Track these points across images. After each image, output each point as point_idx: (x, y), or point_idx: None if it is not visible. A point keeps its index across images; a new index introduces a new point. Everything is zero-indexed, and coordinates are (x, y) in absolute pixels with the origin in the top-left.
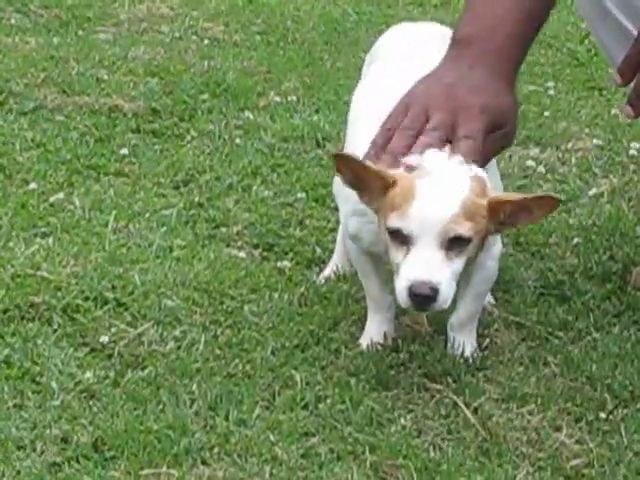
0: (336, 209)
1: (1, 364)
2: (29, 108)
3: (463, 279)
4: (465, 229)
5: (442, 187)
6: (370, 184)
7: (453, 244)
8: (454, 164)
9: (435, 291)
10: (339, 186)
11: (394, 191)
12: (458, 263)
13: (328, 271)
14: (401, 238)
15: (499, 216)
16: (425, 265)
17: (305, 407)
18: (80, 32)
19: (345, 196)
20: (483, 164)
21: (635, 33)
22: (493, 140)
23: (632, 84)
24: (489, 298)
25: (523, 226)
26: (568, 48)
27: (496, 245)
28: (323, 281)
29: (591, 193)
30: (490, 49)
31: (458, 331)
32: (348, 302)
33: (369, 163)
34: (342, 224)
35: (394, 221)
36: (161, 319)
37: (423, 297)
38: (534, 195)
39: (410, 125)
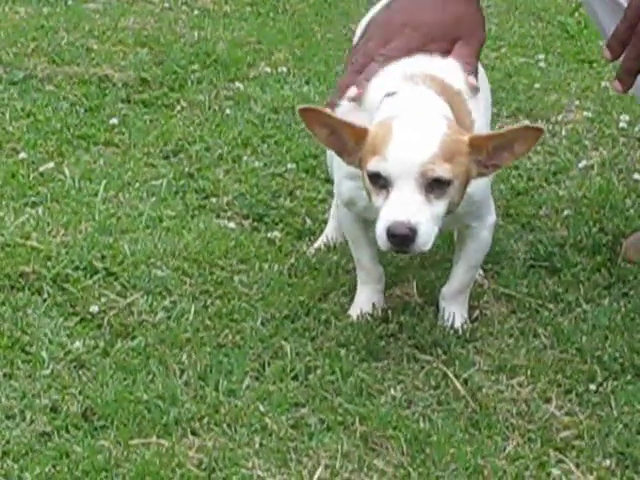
0: (326, 180)
1: None
2: (19, 78)
3: (456, 249)
4: (444, 170)
5: (420, 128)
6: (343, 137)
7: (433, 186)
8: (432, 104)
9: (413, 231)
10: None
11: (373, 137)
12: (439, 206)
13: (319, 243)
14: (381, 182)
15: (482, 155)
16: (403, 206)
17: (295, 378)
18: (70, 2)
19: (339, 161)
20: (473, 71)
21: (625, 5)
22: (466, 42)
23: (621, 59)
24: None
25: (506, 165)
26: (558, 21)
27: (490, 215)
28: (313, 252)
29: (581, 165)
30: None
31: (449, 302)
32: (338, 273)
33: (337, 116)
34: (335, 193)
35: (373, 164)
36: (151, 289)
37: (401, 237)
38: (515, 127)
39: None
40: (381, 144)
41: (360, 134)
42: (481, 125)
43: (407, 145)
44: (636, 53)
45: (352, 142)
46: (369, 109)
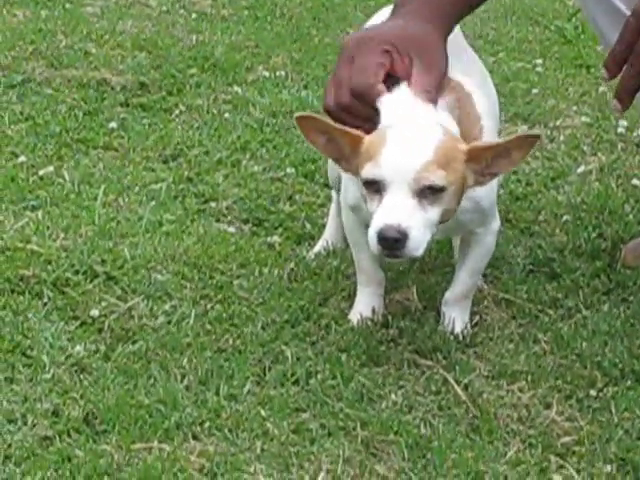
0: (325, 184)
1: None
2: (17, 81)
3: (460, 254)
4: (438, 177)
5: (415, 134)
6: (340, 145)
7: (426, 192)
8: (428, 111)
9: (404, 235)
10: None
11: (368, 143)
12: (432, 212)
13: (318, 247)
14: (375, 187)
15: (480, 164)
16: (395, 210)
17: (296, 382)
18: (68, 5)
19: None
20: (433, 98)
21: (628, 13)
22: (427, 69)
23: (619, 77)
24: None
25: (504, 173)
26: (556, 25)
27: (495, 221)
28: (313, 257)
29: (580, 170)
30: (417, 3)
31: (451, 307)
32: (338, 278)
33: (333, 123)
34: (341, 196)
35: (367, 170)
36: (151, 293)
37: (391, 241)
38: (513, 136)
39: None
40: (376, 151)
41: (356, 141)
42: (490, 129)
43: (401, 151)
44: (634, 72)
45: (349, 149)
46: None
